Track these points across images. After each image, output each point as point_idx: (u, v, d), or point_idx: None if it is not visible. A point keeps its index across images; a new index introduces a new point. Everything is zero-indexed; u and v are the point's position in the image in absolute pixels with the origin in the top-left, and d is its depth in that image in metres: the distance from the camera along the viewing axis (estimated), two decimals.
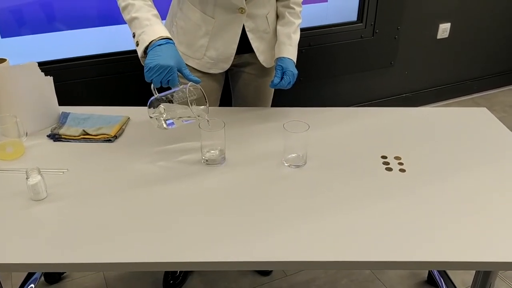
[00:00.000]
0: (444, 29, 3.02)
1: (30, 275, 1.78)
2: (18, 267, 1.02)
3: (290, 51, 1.58)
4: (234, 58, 1.61)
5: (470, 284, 1.83)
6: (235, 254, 1.04)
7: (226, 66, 1.62)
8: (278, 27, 1.62)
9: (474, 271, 1.63)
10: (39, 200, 1.19)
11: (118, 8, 1.39)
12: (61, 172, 1.30)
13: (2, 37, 1.99)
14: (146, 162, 1.35)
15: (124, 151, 1.40)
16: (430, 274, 1.89)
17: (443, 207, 1.20)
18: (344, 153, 1.42)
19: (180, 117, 1.32)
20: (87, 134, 1.46)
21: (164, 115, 1.31)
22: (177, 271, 1.87)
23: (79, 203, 1.19)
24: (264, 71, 1.71)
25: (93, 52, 2.17)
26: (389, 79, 3.04)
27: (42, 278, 1.87)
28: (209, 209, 1.18)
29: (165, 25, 1.66)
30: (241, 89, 1.77)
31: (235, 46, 1.58)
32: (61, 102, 1.57)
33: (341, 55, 2.77)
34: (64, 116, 1.54)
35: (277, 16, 1.64)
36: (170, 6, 1.63)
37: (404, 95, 3.15)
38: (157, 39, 1.29)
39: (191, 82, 1.30)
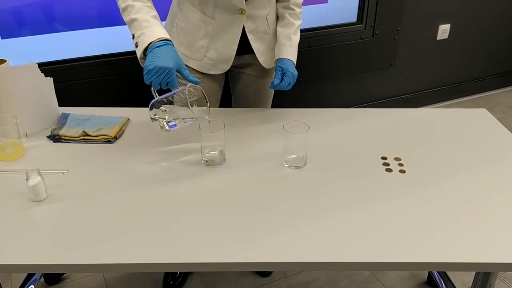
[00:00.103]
0: (443, 30, 3.02)
1: (30, 276, 1.78)
2: (18, 268, 1.02)
3: (290, 52, 1.58)
4: (234, 59, 1.61)
5: (470, 285, 1.83)
6: (235, 255, 1.04)
7: (226, 67, 1.62)
8: (278, 28, 1.62)
9: (474, 272, 1.63)
10: (39, 201, 1.19)
11: (118, 9, 1.40)
12: (61, 173, 1.30)
13: (2, 38, 1.99)
14: (146, 163, 1.35)
15: (124, 152, 1.40)
16: (430, 275, 1.89)
17: (443, 208, 1.20)
18: (344, 154, 1.42)
19: (182, 118, 1.32)
20: (87, 135, 1.46)
21: (166, 117, 1.31)
22: (177, 272, 1.87)
23: (79, 204, 1.19)
24: (264, 72, 1.71)
25: (93, 53, 2.17)
26: (389, 80, 3.04)
27: (42, 279, 1.87)
28: (209, 210, 1.18)
29: (165, 26, 1.67)
30: (241, 90, 1.77)
31: (235, 47, 1.58)
32: (61, 103, 1.57)
33: (341, 56, 2.77)
34: (64, 117, 1.54)
35: (277, 17, 1.64)
36: (170, 7, 1.63)
37: (404, 96, 3.15)
38: (155, 41, 1.30)
39: (190, 83, 1.30)
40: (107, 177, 1.29)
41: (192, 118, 1.29)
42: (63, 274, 1.90)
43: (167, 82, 1.28)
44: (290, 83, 1.53)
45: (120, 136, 1.49)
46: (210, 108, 1.35)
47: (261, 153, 1.41)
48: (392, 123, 1.60)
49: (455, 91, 3.34)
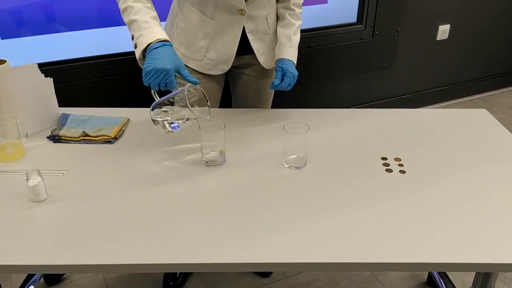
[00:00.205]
0: (443, 31, 3.02)
1: (29, 276, 1.77)
2: (18, 268, 1.02)
3: (290, 52, 1.58)
4: (234, 60, 1.61)
5: (470, 285, 1.83)
6: (235, 255, 1.04)
7: (226, 67, 1.62)
8: (278, 29, 1.62)
9: (474, 273, 1.63)
10: (39, 201, 1.19)
11: (118, 9, 1.40)
12: (61, 173, 1.30)
13: (2, 38, 1.99)
14: (146, 164, 1.35)
15: (124, 153, 1.40)
16: (430, 275, 1.89)
17: (443, 208, 1.19)
18: (344, 155, 1.42)
19: (185, 119, 1.31)
20: (87, 135, 1.46)
21: (168, 118, 1.31)
22: (176, 273, 1.86)
23: (79, 204, 1.19)
24: (264, 72, 1.71)
25: (93, 53, 2.17)
26: (389, 81, 3.04)
27: (42, 279, 1.87)
28: (209, 210, 1.18)
29: (166, 27, 1.67)
30: (241, 90, 1.77)
31: (235, 48, 1.58)
32: (61, 104, 1.57)
33: (341, 56, 2.77)
34: (64, 118, 1.54)
35: (277, 18, 1.64)
36: (171, 8, 1.63)
37: (403, 96, 3.15)
38: (154, 42, 1.30)
39: (189, 83, 1.30)
40: (107, 177, 1.29)
41: (193, 118, 1.29)
42: (63, 274, 1.90)
43: (166, 83, 1.28)
44: (290, 83, 1.53)
45: (120, 136, 1.49)
46: (211, 109, 1.35)
47: (261, 153, 1.41)
48: (392, 123, 1.60)
49: (455, 92, 3.34)
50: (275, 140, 1.47)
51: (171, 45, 1.32)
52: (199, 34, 1.55)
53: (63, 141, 1.45)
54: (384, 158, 1.40)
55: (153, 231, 1.10)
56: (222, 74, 1.67)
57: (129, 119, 1.57)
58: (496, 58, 3.35)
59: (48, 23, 2.04)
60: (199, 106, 1.33)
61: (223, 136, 1.33)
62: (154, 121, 1.33)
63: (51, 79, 1.49)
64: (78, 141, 1.45)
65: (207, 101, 1.33)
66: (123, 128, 1.52)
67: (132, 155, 1.39)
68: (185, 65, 1.58)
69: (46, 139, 1.46)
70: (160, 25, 1.37)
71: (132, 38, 1.35)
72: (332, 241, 1.08)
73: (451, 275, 1.85)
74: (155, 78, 1.26)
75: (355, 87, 2.95)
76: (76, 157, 1.38)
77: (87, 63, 2.16)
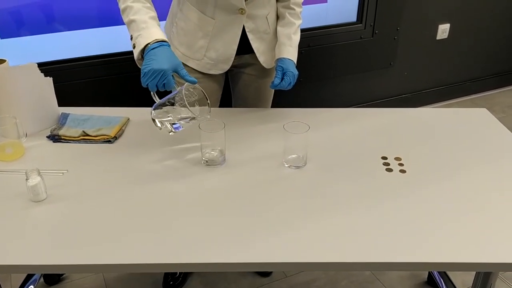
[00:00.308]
0: (443, 30, 3.02)
1: (29, 276, 1.77)
2: (17, 268, 1.02)
3: (290, 51, 1.57)
4: (234, 59, 1.61)
5: (470, 285, 1.83)
6: (235, 255, 1.04)
7: (226, 67, 1.62)
8: (278, 28, 1.62)
9: (474, 272, 1.62)
10: (39, 201, 1.19)
11: (118, 9, 1.40)
12: (60, 173, 1.30)
13: (1, 38, 1.99)
14: (146, 163, 1.35)
15: (124, 152, 1.40)
16: (430, 275, 1.89)
17: (444, 208, 1.19)
18: (344, 154, 1.41)
19: (184, 119, 1.31)
20: (87, 135, 1.45)
21: (170, 118, 1.31)
22: (176, 272, 1.86)
23: (78, 204, 1.18)
24: (264, 72, 1.70)
25: (92, 53, 2.17)
26: (389, 80, 3.03)
27: (42, 279, 1.87)
28: (209, 210, 1.17)
29: (165, 26, 1.66)
30: (241, 90, 1.77)
31: (235, 47, 1.57)
32: (61, 103, 1.57)
33: (341, 56, 2.77)
34: (64, 117, 1.54)
35: (277, 17, 1.64)
36: (171, 7, 1.63)
37: (403, 95, 3.14)
38: (152, 43, 1.29)
39: (187, 83, 1.30)
40: (107, 177, 1.29)
41: (193, 118, 1.29)
42: (62, 274, 1.90)
43: (164, 84, 1.28)
44: (290, 82, 1.52)
45: (120, 136, 1.48)
46: (211, 108, 1.35)
47: (261, 153, 1.41)
48: (392, 123, 1.59)
49: (454, 91, 3.34)
50: (275, 139, 1.47)
51: (168, 45, 1.32)
52: (199, 34, 1.54)
53: (63, 140, 1.45)
54: (384, 158, 1.40)
55: (153, 230, 1.10)
56: (222, 73, 1.66)
57: (129, 119, 1.57)
58: (496, 57, 3.35)
59: (47, 23, 2.04)
60: (199, 106, 1.33)
61: (223, 136, 1.32)
62: (155, 122, 1.33)
63: (51, 78, 1.49)
64: (78, 141, 1.45)
65: (208, 101, 1.33)
66: (123, 128, 1.52)
67: (132, 154, 1.39)
68: (185, 64, 1.59)
69: (46, 138, 1.46)
70: (159, 25, 1.37)
71: (131, 38, 1.35)
72: (332, 241, 1.08)
73: (451, 274, 1.85)
74: (152, 79, 1.26)
75: (355, 87, 2.94)
76: (76, 157, 1.38)
77: (87, 63, 2.16)
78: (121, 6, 1.38)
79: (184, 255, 1.04)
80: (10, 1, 1.94)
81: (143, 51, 1.31)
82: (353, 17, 2.74)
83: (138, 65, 1.33)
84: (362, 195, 1.24)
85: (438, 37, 3.03)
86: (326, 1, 2.63)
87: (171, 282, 1.84)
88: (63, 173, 1.30)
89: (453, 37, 3.08)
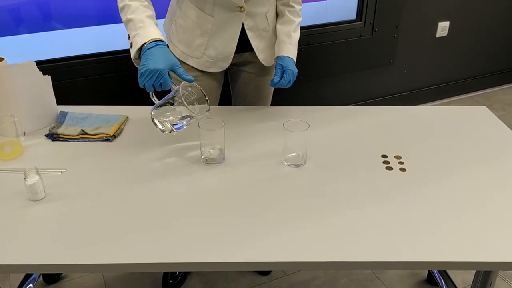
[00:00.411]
0: (443, 28, 3.02)
1: (28, 275, 1.77)
2: (16, 268, 1.01)
3: (290, 49, 1.57)
4: (234, 57, 1.60)
5: (470, 283, 1.83)
6: (234, 255, 1.04)
7: (226, 65, 1.61)
8: (278, 26, 1.61)
9: (474, 270, 1.62)
10: (37, 200, 1.18)
11: (117, 7, 1.39)
12: (59, 172, 1.30)
13: None
14: (145, 162, 1.34)
15: (123, 151, 1.40)
16: (430, 273, 1.89)
17: (444, 207, 1.19)
18: (345, 152, 1.41)
19: (185, 118, 1.31)
20: (86, 133, 1.45)
21: (172, 118, 1.31)
22: (176, 271, 1.86)
23: (77, 203, 1.18)
24: (263, 70, 1.70)
25: (91, 51, 2.16)
26: (388, 78, 3.03)
27: (41, 278, 1.86)
28: (208, 209, 1.17)
29: (165, 24, 1.66)
30: (240, 88, 1.76)
31: (234, 45, 1.57)
32: (59, 101, 1.56)
33: (340, 53, 2.77)
34: (62, 116, 1.53)
35: (277, 15, 1.63)
36: (170, 5, 1.62)
37: (403, 93, 3.14)
38: (148, 42, 1.29)
39: (184, 82, 1.30)
40: (105, 176, 1.28)
41: (193, 116, 1.29)
42: (61, 273, 1.90)
43: (160, 83, 1.27)
44: (290, 80, 1.52)
45: (118, 134, 1.48)
46: (210, 106, 1.35)
47: (260, 151, 1.40)
48: (392, 121, 1.59)
49: (454, 89, 3.33)
50: (274, 138, 1.47)
51: (165, 44, 1.31)
52: (198, 31, 1.54)
53: (62, 139, 1.44)
54: (384, 156, 1.39)
55: (152, 230, 1.10)
56: (221, 71, 1.66)
57: (127, 117, 1.56)
58: (496, 55, 3.35)
59: (46, 21, 2.03)
60: (198, 104, 1.32)
61: (223, 134, 1.32)
62: (156, 124, 1.33)
63: (49, 76, 1.48)
64: (77, 139, 1.44)
65: (207, 99, 1.32)
66: (122, 126, 1.51)
67: (131, 153, 1.38)
68: (184, 62, 1.59)
69: (44, 137, 1.45)
70: (156, 24, 1.36)
71: (129, 37, 1.34)
72: (332, 240, 1.08)
73: (451, 272, 1.85)
74: (149, 79, 1.26)
75: (354, 84, 2.94)
76: (74, 156, 1.37)
77: (85, 61, 2.15)
78: (120, 4, 1.37)
79: (183, 255, 1.03)
80: None
81: (140, 50, 1.30)
82: (352, 15, 2.74)
83: (135, 65, 1.33)
84: (362, 193, 1.23)
85: (438, 35, 3.03)
86: None
87: (171, 281, 1.84)
88: (61, 172, 1.30)
89: (452, 35, 3.07)
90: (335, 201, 1.20)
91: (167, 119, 1.32)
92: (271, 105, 1.82)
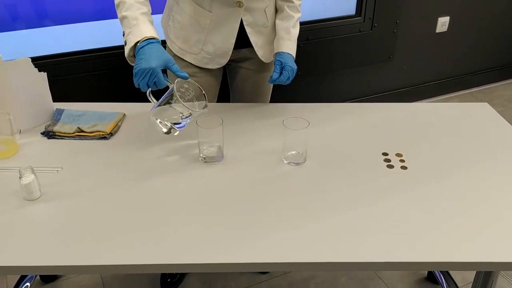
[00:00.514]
0: (443, 23, 3.00)
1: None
2: (12, 269, 1.00)
3: (289, 46, 1.55)
4: (232, 53, 1.58)
5: (471, 281, 1.82)
6: (234, 255, 1.02)
7: (224, 61, 1.59)
8: (277, 21, 1.59)
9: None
10: (33, 200, 1.17)
11: (113, 3, 1.37)
12: (55, 170, 1.28)
13: None
14: (143, 160, 1.33)
15: (120, 149, 1.38)
16: (430, 271, 1.88)
17: (445, 206, 1.18)
18: (345, 150, 1.39)
19: (184, 116, 1.29)
20: (82, 131, 1.43)
21: (174, 117, 1.29)
22: None
23: (74, 202, 1.16)
24: (262, 66, 1.68)
25: (87, 47, 2.14)
26: (388, 74, 3.01)
27: (38, 277, 1.85)
28: (207, 208, 1.15)
29: (162, 19, 1.64)
30: (239, 84, 1.74)
31: (233, 41, 1.55)
32: (55, 99, 1.55)
33: (340, 49, 2.75)
34: (59, 113, 1.52)
35: (276, 10, 1.61)
36: (167, 0, 1.60)
37: (403, 89, 3.13)
38: (141, 41, 1.28)
39: (179, 79, 1.28)
40: (102, 174, 1.27)
41: (191, 114, 1.27)
42: None
43: (154, 82, 1.25)
44: (289, 77, 1.50)
45: (115, 132, 1.46)
46: (208, 103, 1.33)
47: (260, 149, 1.39)
48: (393, 118, 1.57)
49: (454, 84, 3.32)
50: (274, 135, 1.45)
51: (157, 42, 1.30)
52: (196, 27, 1.52)
53: (58, 137, 1.42)
54: (385, 154, 1.38)
55: (150, 229, 1.08)
56: (219, 68, 1.64)
57: (125, 114, 1.54)
58: (496, 50, 3.33)
59: (41, 17, 2.01)
60: (197, 101, 1.31)
61: (221, 132, 1.30)
62: (157, 125, 1.31)
63: (45, 73, 1.46)
64: (73, 137, 1.42)
65: (205, 96, 1.31)
66: (119, 124, 1.49)
67: (128, 151, 1.37)
68: (182, 58, 1.57)
69: (40, 135, 1.43)
70: (151, 21, 1.34)
71: (123, 35, 1.33)
72: (332, 240, 1.06)
73: (452, 270, 1.84)
74: (142, 79, 1.25)
75: (353, 80, 2.92)
76: (70, 154, 1.35)
77: (82, 57, 2.13)
78: (116, 1, 1.36)
79: (180, 255, 1.02)
80: None
81: (134, 49, 1.29)
82: (352, 10, 2.72)
83: (130, 62, 1.33)
84: (363, 192, 1.22)
85: (438, 30, 3.01)
86: None
87: (169, 280, 1.83)
88: (57, 170, 1.28)
89: (452, 30, 3.06)
90: (336, 200, 1.19)
91: (167, 118, 1.30)
92: (270, 101, 1.81)
